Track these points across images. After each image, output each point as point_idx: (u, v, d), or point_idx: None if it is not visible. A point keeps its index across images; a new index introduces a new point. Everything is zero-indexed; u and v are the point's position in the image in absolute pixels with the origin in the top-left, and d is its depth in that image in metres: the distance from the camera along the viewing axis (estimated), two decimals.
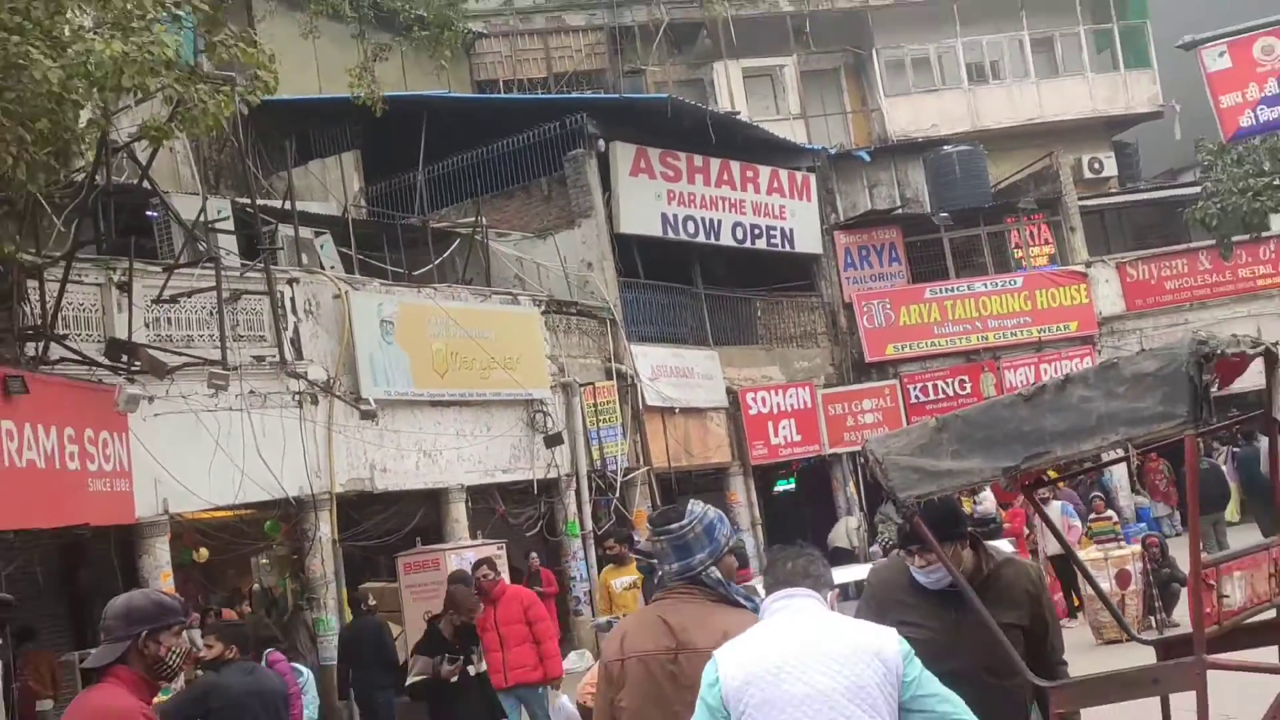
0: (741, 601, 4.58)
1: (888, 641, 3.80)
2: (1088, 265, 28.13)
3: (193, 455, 14.59)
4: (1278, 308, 23.43)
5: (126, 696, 4.38)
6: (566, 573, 19.44)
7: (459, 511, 18.24)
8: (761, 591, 4.27)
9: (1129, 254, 28.80)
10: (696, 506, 4.95)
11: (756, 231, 25.55)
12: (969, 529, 5.48)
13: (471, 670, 10.63)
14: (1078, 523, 16.97)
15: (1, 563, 12.43)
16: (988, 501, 16.80)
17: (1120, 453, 9.48)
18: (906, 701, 3.72)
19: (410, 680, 10.70)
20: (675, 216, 24.03)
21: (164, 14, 11.71)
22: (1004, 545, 12.37)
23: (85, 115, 11.66)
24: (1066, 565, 15.41)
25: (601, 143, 22.83)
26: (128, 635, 4.50)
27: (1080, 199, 29.01)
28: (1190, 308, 27.05)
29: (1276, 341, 5.73)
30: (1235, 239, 23.40)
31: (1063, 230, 28.66)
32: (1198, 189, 24.71)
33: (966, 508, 20.49)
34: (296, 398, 16.00)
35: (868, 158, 29.32)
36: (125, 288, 14.00)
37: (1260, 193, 21.08)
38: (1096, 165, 30.61)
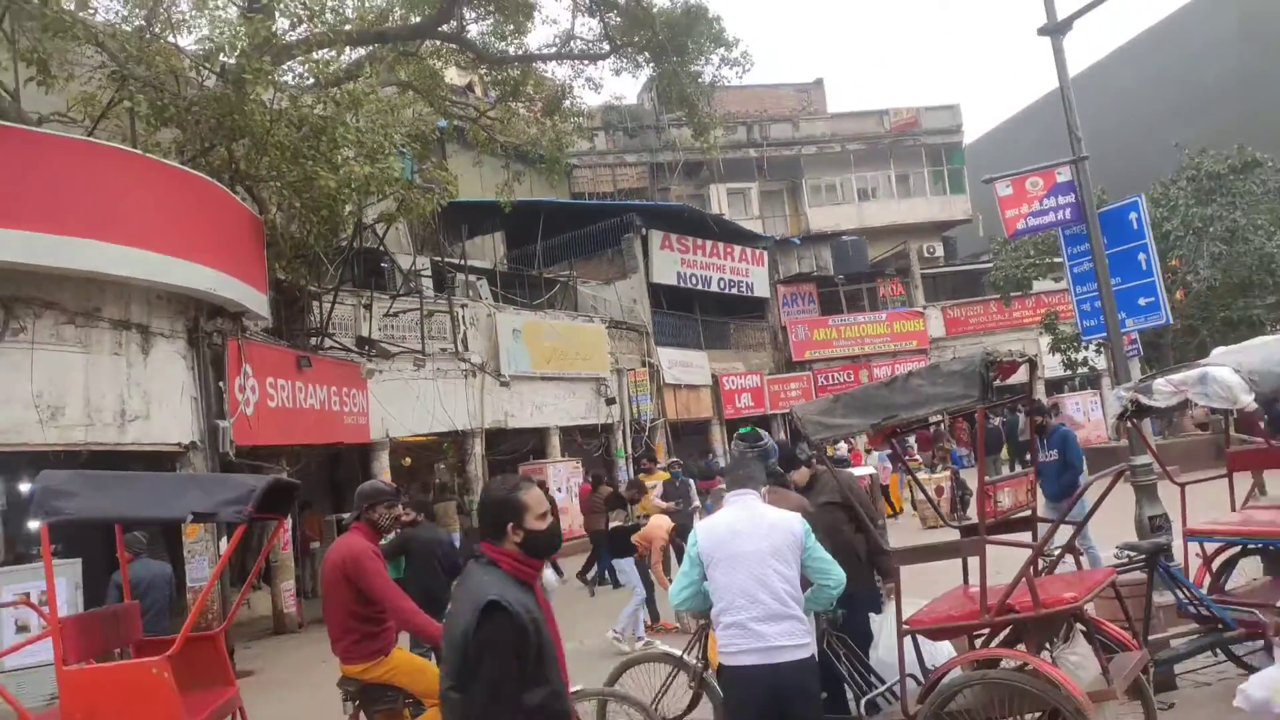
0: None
1: (795, 521, 4.00)
2: (924, 308, 29.11)
3: (404, 403, 15.11)
4: (1034, 335, 23.84)
5: (362, 540, 4.66)
6: (616, 477, 18.66)
7: (555, 440, 18.92)
8: (725, 490, 4.33)
9: (949, 302, 29.68)
10: (766, 435, 5.56)
11: (731, 284, 26.25)
12: (813, 459, 5.75)
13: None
14: (889, 465, 17.41)
15: (298, 462, 12.54)
16: (842, 448, 16.77)
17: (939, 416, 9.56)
18: (804, 558, 3.95)
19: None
20: (685, 273, 24.68)
21: (395, 150, 12.01)
22: (859, 470, 12.71)
23: (348, 207, 11.84)
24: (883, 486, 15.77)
25: (643, 230, 23.59)
26: (361, 505, 4.85)
27: (921, 270, 29.78)
28: (985, 335, 27.77)
29: (1034, 355, 6.18)
30: (1012, 294, 23.98)
31: (910, 287, 29.59)
32: (990, 264, 25.61)
33: (830, 451, 21.15)
34: (464, 373, 16.62)
35: (798, 242, 30.08)
36: (368, 307, 14.73)
37: (1027, 268, 22.36)
38: (931, 250, 31.11)
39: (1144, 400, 5.63)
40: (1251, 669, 4.80)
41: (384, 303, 15.26)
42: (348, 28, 14.51)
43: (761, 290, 27.45)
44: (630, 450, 20.40)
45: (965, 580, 4.88)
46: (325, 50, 14.09)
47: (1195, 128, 29.10)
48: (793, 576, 3.86)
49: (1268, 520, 5.84)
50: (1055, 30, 8.85)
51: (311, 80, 14.06)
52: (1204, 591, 5.50)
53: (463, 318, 16.85)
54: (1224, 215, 19.73)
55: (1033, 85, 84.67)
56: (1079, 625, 4.36)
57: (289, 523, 12.48)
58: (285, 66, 14.06)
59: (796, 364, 27.87)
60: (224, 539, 10.11)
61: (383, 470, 14.48)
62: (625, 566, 9.72)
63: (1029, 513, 5.08)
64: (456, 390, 16.49)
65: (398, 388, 15.11)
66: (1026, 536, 4.89)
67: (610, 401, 20.39)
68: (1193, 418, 18.51)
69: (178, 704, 4.42)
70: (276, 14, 12.65)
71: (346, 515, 9.20)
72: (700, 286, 25.38)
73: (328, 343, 13.69)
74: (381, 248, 15.89)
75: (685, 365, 24.09)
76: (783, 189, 32.35)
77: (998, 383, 4.48)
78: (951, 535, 4.99)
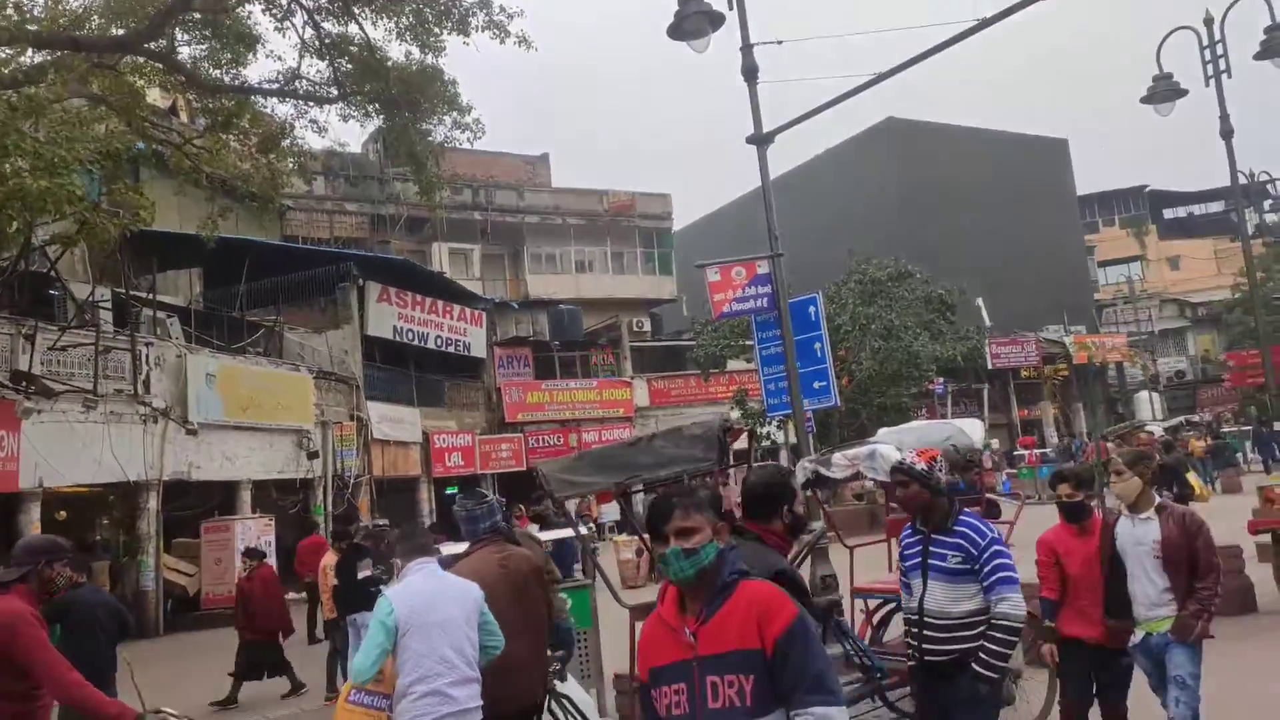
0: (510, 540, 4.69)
1: (475, 589, 4.06)
2: (632, 378, 30.27)
3: (66, 449, 13.84)
4: (728, 409, 24.36)
5: (19, 603, 4.03)
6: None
7: (247, 495, 17.61)
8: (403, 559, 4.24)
9: (654, 374, 31.04)
10: (489, 494, 5.39)
11: (449, 342, 25.88)
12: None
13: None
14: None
15: None
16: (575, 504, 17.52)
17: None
18: (480, 622, 4.03)
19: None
20: (402, 328, 24.15)
21: (80, 166, 10.93)
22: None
23: (15, 224, 10.87)
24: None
25: (360, 280, 22.90)
26: (31, 562, 4.20)
27: (630, 342, 31.13)
28: (685, 407, 29.15)
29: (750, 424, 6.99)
30: (711, 370, 25.62)
31: (619, 358, 30.85)
32: (692, 342, 27.30)
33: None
34: (143, 418, 15.30)
35: (516, 307, 30.31)
36: (29, 338, 13.33)
37: (724, 348, 24.23)
38: (640, 324, 32.81)
39: (823, 471, 6.18)
40: (904, 714, 5.28)
41: (50, 334, 13.87)
42: (33, 27, 12.88)
43: (479, 350, 27.50)
44: (331, 508, 19.40)
45: None
46: (1, 48, 12.76)
47: (865, 236, 33.41)
48: (476, 641, 3.99)
49: None
50: (761, 141, 9.84)
51: None
52: (866, 643, 6.03)
53: (146, 357, 15.56)
54: (883, 315, 22.70)
55: (733, 183, 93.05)
56: None
57: None
58: None
59: (509, 425, 27.98)
60: None
61: (31, 525, 13.21)
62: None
63: None
64: (133, 437, 15.09)
65: (59, 431, 13.78)
66: None
67: (313, 455, 19.37)
68: (852, 490, 20.85)
69: None
70: None
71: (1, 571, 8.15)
72: (417, 342, 24.97)
73: None
74: (53, 273, 14.60)
75: (396, 421, 23.51)
76: (505, 254, 32.75)
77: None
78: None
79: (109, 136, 13.54)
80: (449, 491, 25.19)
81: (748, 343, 20.12)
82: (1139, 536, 4.39)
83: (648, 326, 34.06)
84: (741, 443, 5.51)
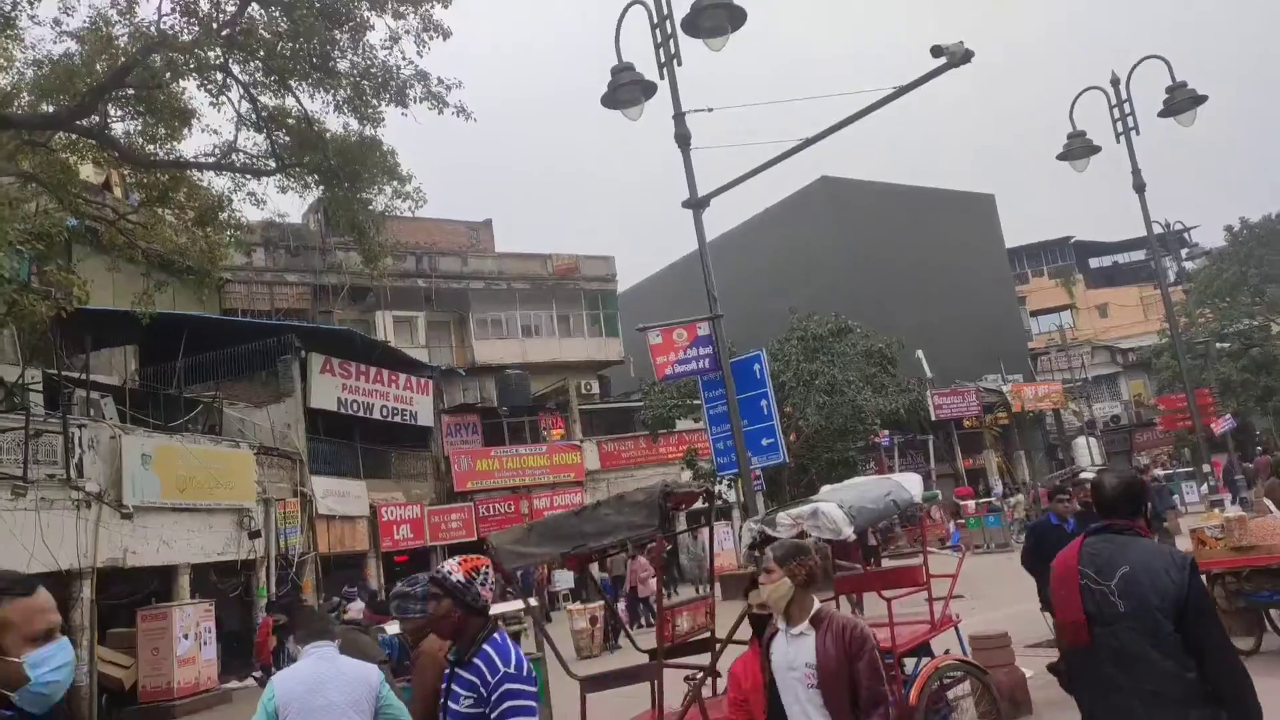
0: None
1: (373, 673, 4.01)
2: (581, 441, 29.98)
3: None
4: (678, 470, 25.34)
5: None
6: (256, 619, 17.40)
7: (185, 580, 17.07)
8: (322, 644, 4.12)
9: (604, 436, 30.73)
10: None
11: (395, 411, 25.63)
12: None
13: None
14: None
15: None
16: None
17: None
18: (380, 707, 3.93)
19: None
20: (346, 399, 23.91)
21: (9, 247, 10.87)
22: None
23: None
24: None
25: (303, 352, 22.68)
26: None
27: (579, 405, 30.91)
28: (635, 468, 29.02)
29: (710, 486, 6.44)
30: (660, 431, 25.71)
31: (569, 421, 30.64)
32: (641, 403, 27.20)
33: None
34: (75, 503, 14.72)
35: (463, 373, 30.20)
36: None
37: (672, 408, 24.30)
38: (588, 386, 32.65)
39: (769, 531, 6.17)
40: None
41: None
42: None
43: (425, 419, 27.16)
44: (274, 589, 18.78)
45: (654, 705, 4.92)
46: None
47: (804, 291, 34.01)
48: None
49: None
50: (696, 205, 10.03)
51: None
52: None
53: (79, 440, 15.06)
54: (826, 370, 22.99)
55: (677, 243, 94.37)
56: None
57: None
58: None
59: (458, 494, 27.55)
60: None
61: None
62: None
63: (707, 634, 5.25)
64: (64, 523, 14.45)
65: None
66: (706, 659, 5.02)
67: (255, 535, 18.71)
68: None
69: None
70: None
71: None
72: (362, 413, 24.67)
73: None
74: None
75: (341, 495, 23.07)
76: (450, 320, 32.56)
77: (680, 510, 4.74)
78: (637, 659, 5.13)
79: (40, 215, 13.42)
80: (397, 569, 24.64)
81: (696, 402, 20.20)
82: (791, 659, 3.49)
83: (596, 389, 33.98)
84: (697, 504, 5.38)
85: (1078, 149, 12.99)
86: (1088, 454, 37.90)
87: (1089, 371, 47.04)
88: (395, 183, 17.72)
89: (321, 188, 17.64)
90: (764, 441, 10.82)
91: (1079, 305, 57.55)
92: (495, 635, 3.17)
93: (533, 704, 3.04)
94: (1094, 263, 62.91)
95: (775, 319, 27.66)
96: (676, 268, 46.39)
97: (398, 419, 26.02)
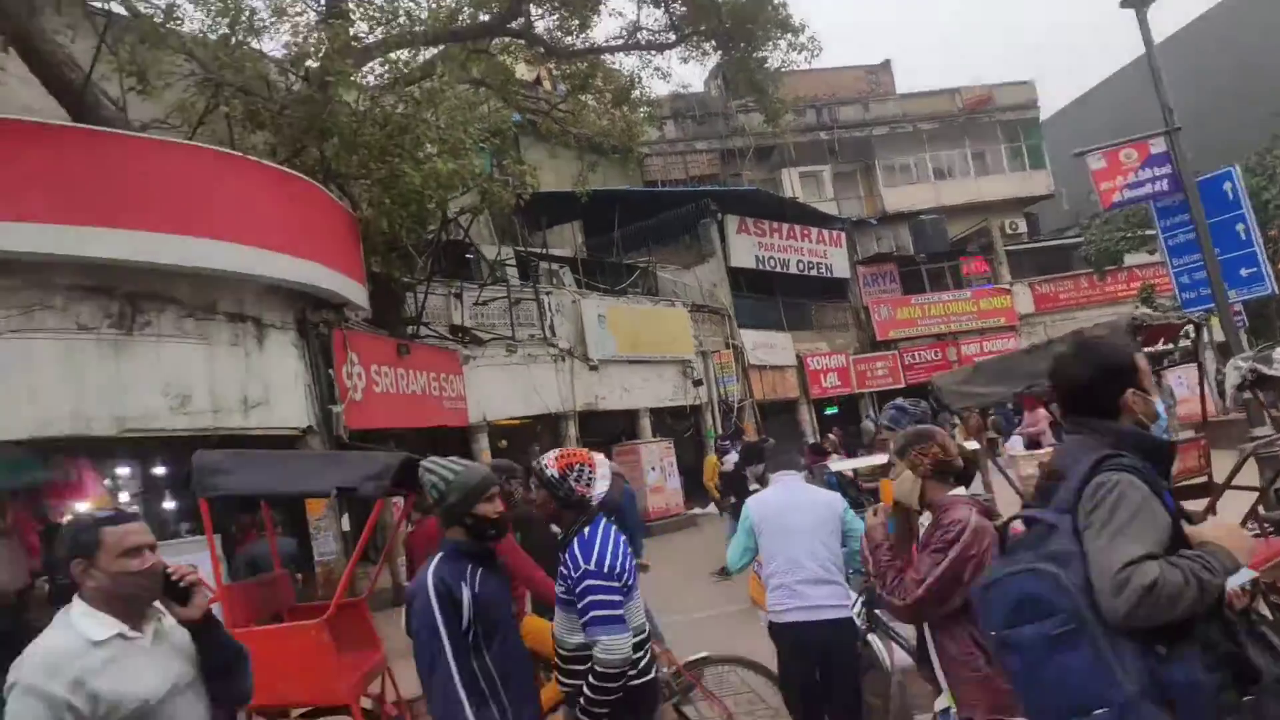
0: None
1: (837, 499, 4.39)
2: (1011, 284, 28.02)
3: (498, 388, 15.40)
4: (1131, 309, 23.04)
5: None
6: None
7: (646, 422, 19.00)
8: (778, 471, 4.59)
9: (1037, 278, 28.52)
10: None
11: (810, 265, 25.78)
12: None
13: None
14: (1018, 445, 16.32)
15: (402, 444, 11.97)
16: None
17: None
18: (846, 530, 4.31)
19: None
20: (763, 256, 24.34)
21: (475, 145, 12.06)
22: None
23: (434, 202, 11.66)
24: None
25: (719, 214, 23.48)
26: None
27: (1005, 246, 28.78)
28: (1078, 310, 26.62)
29: (1192, 316, 5.82)
30: (1106, 268, 23.17)
31: (994, 264, 28.54)
32: (1077, 239, 24.66)
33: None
34: (553, 358, 16.82)
35: (875, 223, 29.26)
36: (458, 296, 14.99)
37: (1119, 241, 21.58)
38: (1014, 225, 30.04)
39: (1264, 370, 5.40)
40: None
41: (473, 292, 15.50)
42: (421, 29, 14.60)
43: (841, 271, 26.98)
44: (720, 430, 20.04)
45: None
46: (402, 51, 14.30)
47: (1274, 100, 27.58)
48: (835, 547, 4.24)
49: None
50: (1140, 2, 8.63)
51: (390, 79, 14.23)
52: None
53: (548, 304, 17.05)
54: None
55: (1101, 61, 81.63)
56: None
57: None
58: (366, 68, 14.29)
59: (880, 343, 27.20)
60: (344, 515, 10.40)
61: (482, 452, 14.70)
62: None
63: (1204, 479, 4.93)
64: (547, 374, 16.66)
65: (491, 373, 15.39)
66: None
67: (697, 383, 20.34)
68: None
69: (337, 662, 4.59)
70: (355, 18, 12.90)
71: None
72: (779, 269, 25.06)
73: (424, 331, 13.97)
74: (467, 239, 16.03)
75: (769, 347, 23.92)
76: (856, 170, 31.49)
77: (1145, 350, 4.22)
78: None
79: (492, 115, 14.93)
80: (828, 412, 25.53)
81: (1149, 232, 17.73)
82: None
83: (1023, 228, 31.30)
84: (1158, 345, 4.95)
85: None
86: None
87: None
88: (789, 35, 17.47)
89: (719, 52, 17.96)
90: (1243, 271, 9.64)
91: None
92: (585, 530, 3.19)
93: (614, 598, 3.07)
94: None
95: (1250, 127, 22.90)
96: (1104, 88, 39.87)
97: (814, 272, 26.16)
